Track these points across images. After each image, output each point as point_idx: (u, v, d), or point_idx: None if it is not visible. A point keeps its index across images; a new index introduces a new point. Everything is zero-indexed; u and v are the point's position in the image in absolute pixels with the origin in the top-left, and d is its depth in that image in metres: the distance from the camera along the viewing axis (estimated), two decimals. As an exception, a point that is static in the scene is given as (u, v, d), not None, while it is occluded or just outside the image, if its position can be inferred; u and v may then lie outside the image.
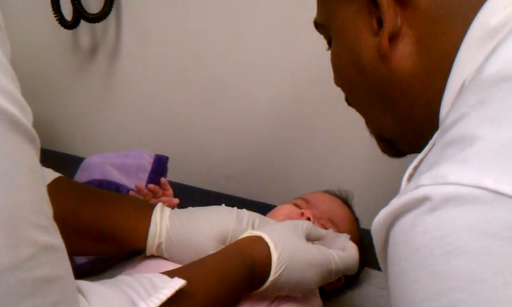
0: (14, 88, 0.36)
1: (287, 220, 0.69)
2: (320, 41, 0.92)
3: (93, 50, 1.21)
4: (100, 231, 0.66)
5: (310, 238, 0.67)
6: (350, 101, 0.61)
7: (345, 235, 0.71)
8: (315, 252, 0.65)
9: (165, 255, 0.68)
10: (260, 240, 0.62)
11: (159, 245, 0.67)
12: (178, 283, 0.50)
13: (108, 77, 1.22)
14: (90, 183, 0.88)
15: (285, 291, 0.65)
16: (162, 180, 0.85)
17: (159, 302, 0.47)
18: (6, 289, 0.34)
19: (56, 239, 0.39)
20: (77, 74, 1.26)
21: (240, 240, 0.64)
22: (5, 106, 0.35)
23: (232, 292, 0.59)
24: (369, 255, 0.86)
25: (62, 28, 1.13)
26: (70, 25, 1.13)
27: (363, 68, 0.53)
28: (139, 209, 0.69)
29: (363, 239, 0.83)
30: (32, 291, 0.35)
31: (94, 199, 0.70)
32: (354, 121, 1.00)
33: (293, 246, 0.63)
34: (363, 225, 0.87)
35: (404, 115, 0.54)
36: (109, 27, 1.17)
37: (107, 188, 0.87)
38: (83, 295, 0.43)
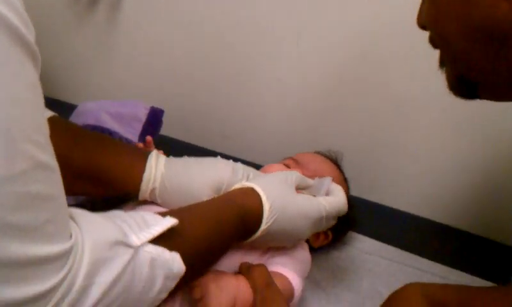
0: (19, 2, 0.36)
1: (277, 172, 0.69)
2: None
3: (95, -2, 1.20)
4: (93, 172, 0.66)
5: (299, 188, 0.68)
6: (440, 41, 0.55)
7: (328, 177, 0.72)
8: (305, 202, 0.65)
9: (158, 201, 0.68)
10: (252, 191, 0.63)
11: (153, 190, 0.67)
12: (170, 221, 0.50)
13: (108, 27, 1.20)
14: (84, 128, 0.88)
15: (276, 241, 0.66)
16: (148, 138, 0.84)
17: (151, 236, 0.48)
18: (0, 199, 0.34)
19: (51, 159, 0.39)
20: (77, 22, 1.24)
21: (232, 190, 0.65)
22: (10, 18, 0.34)
23: (222, 238, 0.59)
24: (356, 219, 0.87)
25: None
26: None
27: (478, 5, 0.47)
28: (134, 154, 0.69)
29: (351, 200, 0.84)
30: (25, 205, 0.36)
31: (89, 140, 0.69)
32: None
33: (284, 197, 0.64)
34: (356, 193, 0.88)
35: None
36: (112, -24, 1.15)
37: (101, 135, 0.86)
38: (74, 221, 0.43)
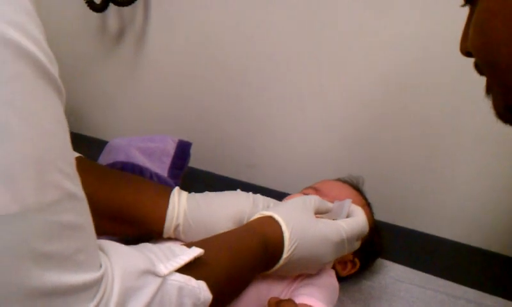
0: (42, 38, 0.37)
1: (296, 198, 0.70)
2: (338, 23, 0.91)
3: (121, 33, 1.22)
4: (118, 212, 0.68)
5: (318, 212, 0.68)
6: (488, 68, 0.53)
7: (348, 200, 0.72)
8: (324, 227, 0.65)
9: (182, 237, 0.69)
10: (271, 219, 0.63)
11: (177, 227, 0.68)
12: (196, 251, 0.51)
13: (135, 61, 1.23)
14: (114, 164, 0.89)
15: (300, 269, 0.66)
16: None
17: (178, 265, 0.49)
18: (32, 229, 0.35)
19: (79, 190, 0.40)
20: (104, 57, 1.27)
21: (252, 220, 0.65)
22: (36, 54, 0.36)
23: (245, 267, 0.60)
24: (386, 247, 0.87)
25: (90, 11, 1.14)
26: (99, 8, 1.14)
27: None
28: (157, 191, 0.70)
29: (377, 226, 0.84)
30: (57, 234, 0.37)
31: (113, 180, 0.71)
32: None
33: (303, 224, 0.64)
34: (377, 217, 0.87)
35: None
36: (137, 11, 1.18)
37: (131, 171, 0.88)
38: (103, 251, 0.44)
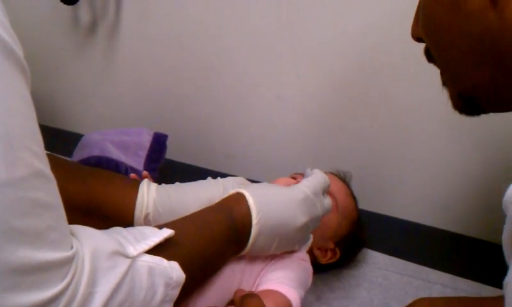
0: (6, 20, 0.37)
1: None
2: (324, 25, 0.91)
3: (93, 26, 1.20)
4: (88, 206, 0.68)
5: None
6: (435, 53, 0.55)
7: (316, 169, 0.73)
8: (286, 189, 0.67)
9: (153, 226, 0.69)
10: (236, 194, 0.65)
11: (147, 215, 0.68)
12: (167, 232, 0.52)
13: (108, 53, 1.21)
14: (89, 159, 0.89)
15: (279, 241, 0.65)
16: (144, 173, 0.85)
17: (147, 247, 0.49)
18: (3, 203, 0.35)
19: (48, 170, 0.40)
20: (76, 50, 1.25)
21: (220, 200, 0.66)
22: (1, 33, 0.36)
23: (216, 243, 0.60)
24: (367, 236, 0.88)
25: (61, 4, 1.12)
26: (70, 1, 1.12)
27: (468, 14, 0.48)
28: (127, 183, 0.71)
29: (361, 218, 0.85)
30: (27, 210, 0.37)
31: (82, 174, 0.71)
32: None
33: (267, 191, 0.66)
34: (362, 206, 0.88)
35: (507, 71, 0.48)
36: (109, 3, 1.16)
37: (106, 165, 0.87)
38: (73, 235, 0.45)
